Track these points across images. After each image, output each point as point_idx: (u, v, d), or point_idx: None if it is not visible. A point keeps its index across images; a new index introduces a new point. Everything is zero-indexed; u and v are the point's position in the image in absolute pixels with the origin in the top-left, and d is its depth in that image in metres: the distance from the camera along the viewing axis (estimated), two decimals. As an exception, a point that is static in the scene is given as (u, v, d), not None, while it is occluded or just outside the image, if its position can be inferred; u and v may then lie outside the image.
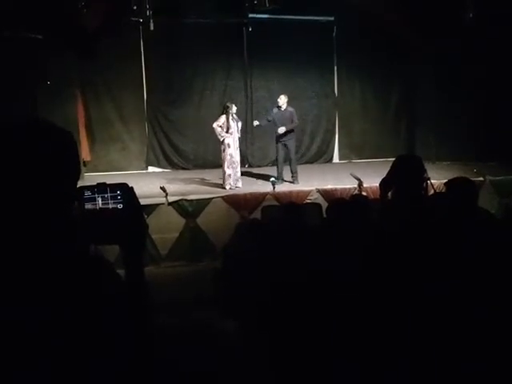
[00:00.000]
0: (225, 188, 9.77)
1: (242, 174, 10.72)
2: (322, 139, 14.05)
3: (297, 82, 13.42)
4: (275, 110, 10.41)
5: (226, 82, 13.33)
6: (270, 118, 10.36)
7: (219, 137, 9.87)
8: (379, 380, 2.74)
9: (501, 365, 2.60)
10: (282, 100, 10.35)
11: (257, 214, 8.79)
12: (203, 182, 10.77)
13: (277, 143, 10.46)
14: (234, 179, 9.90)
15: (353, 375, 2.82)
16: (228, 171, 9.83)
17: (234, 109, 9.99)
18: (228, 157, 9.85)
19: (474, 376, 2.60)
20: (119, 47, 11.86)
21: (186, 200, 9.00)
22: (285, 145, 10.33)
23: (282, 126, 10.17)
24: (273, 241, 5.18)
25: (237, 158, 9.99)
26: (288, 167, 10.46)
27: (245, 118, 13.27)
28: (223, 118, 9.87)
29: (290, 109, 10.37)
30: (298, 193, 9.48)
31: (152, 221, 8.20)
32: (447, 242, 3.00)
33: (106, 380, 1.26)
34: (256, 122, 10.58)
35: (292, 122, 10.30)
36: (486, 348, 2.63)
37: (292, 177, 10.40)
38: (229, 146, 9.84)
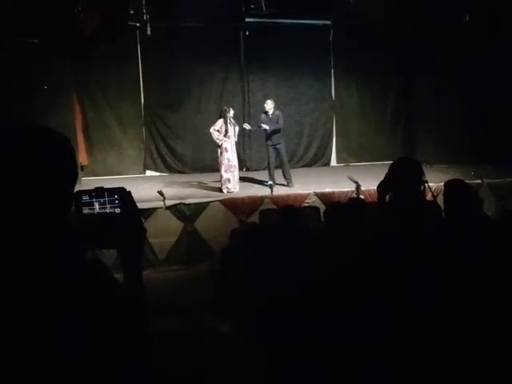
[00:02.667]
0: (222, 192, 9.77)
1: (240, 178, 10.71)
2: (319, 143, 14.06)
3: (294, 85, 13.45)
4: (263, 115, 10.47)
5: (223, 85, 13.34)
6: (259, 125, 10.43)
7: (217, 141, 9.88)
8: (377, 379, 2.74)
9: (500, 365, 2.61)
10: (269, 105, 10.43)
11: (255, 218, 8.79)
12: (201, 185, 10.77)
13: (267, 146, 10.47)
14: (233, 183, 9.90)
15: (352, 376, 2.82)
16: (226, 175, 9.83)
17: (232, 113, 10.02)
18: (226, 161, 9.85)
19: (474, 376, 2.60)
20: (116, 52, 11.85)
21: (183, 204, 9.00)
22: (275, 148, 10.35)
23: (271, 130, 10.29)
24: (271, 244, 5.19)
25: (235, 161, 10.00)
26: (280, 170, 10.50)
27: (242, 121, 13.24)
28: (220, 121, 9.89)
29: (277, 112, 10.45)
30: (296, 196, 9.48)
31: (150, 225, 8.18)
32: (444, 243, 3.00)
33: (105, 382, 1.26)
34: (246, 126, 10.61)
35: (277, 123, 10.36)
36: (486, 349, 2.63)
37: (286, 180, 10.41)
38: (226, 151, 9.85)
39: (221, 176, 9.90)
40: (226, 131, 9.83)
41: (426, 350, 2.65)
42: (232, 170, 9.91)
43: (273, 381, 3.56)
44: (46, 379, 1.18)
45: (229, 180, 9.84)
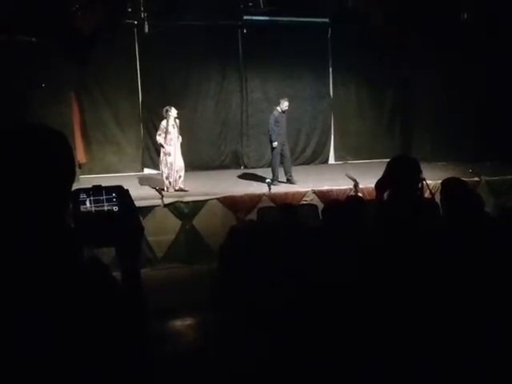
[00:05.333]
0: (166, 191, 9.61)
1: (238, 176, 10.67)
2: (317, 140, 14.06)
3: (292, 83, 13.43)
4: (277, 113, 10.47)
5: (221, 83, 13.33)
6: (273, 134, 10.39)
7: (160, 145, 9.77)
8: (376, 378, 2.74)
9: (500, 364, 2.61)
10: (288, 106, 10.48)
11: (253, 216, 8.79)
12: (198, 183, 10.75)
13: (278, 144, 10.47)
14: (174, 184, 9.81)
15: (351, 374, 2.83)
16: (169, 177, 9.77)
17: (174, 112, 9.79)
18: (169, 165, 9.72)
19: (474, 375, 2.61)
20: (114, 49, 11.84)
21: (181, 202, 8.99)
22: (283, 145, 10.42)
23: (283, 129, 10.40)
24: (269, 242, 5.19)
25: (179, 164, 9.83)
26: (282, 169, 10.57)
27: (240, 119, 13.32)
28: (163, 123, 9.74)
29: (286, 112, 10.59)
30: (294, 194, 9.48)
31: (148, 223, 8.17)
32: (443, 241, 3.00)
33: (105, 381, 1.26)
34: (275, 144, 10.42)
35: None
36: (487, 347, 2.63)
37: (290, 176, 10.45)
38: (169, 155, 9.73)
39: (164, 177, 9.81)
40: (166, 134, 9.65)
41: (425, 350, 2.65)
42: (176, 172, 9.79)
43: (272, 380, 3.56)
44: (44, 376, 1.19)
45: (170, 182, 9.76)
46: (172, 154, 9.75)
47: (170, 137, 9.70)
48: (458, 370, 2.63)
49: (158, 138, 9.77)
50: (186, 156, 12.93)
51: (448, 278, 2.77)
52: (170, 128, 9.70)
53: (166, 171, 9.80)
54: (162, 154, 9.88)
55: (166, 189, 9.68)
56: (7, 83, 9.75)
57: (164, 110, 9.88)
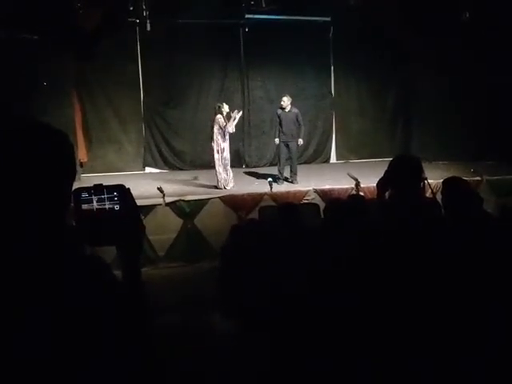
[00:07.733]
0: (220, 189, 9.74)
1: (240, 174, 10.67)
2: (319, 139, 14.04)
3: (294, 82, 13.42)
4: (279, 111, 10.48)
5: (223, 82, 13.32)
6: (276, 131, 10.50)
7: (217, 141, 9.72)
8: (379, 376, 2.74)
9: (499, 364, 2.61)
10: (286, 102, 10.39)
11: (254, 215, 8.79)
12: (200, 182, 10.76)
13: (279, 143, 10.45)
14: (230, 180, 9.89)
15: (350, 374, 2.82)
16: (224, 174, 9.80)
17: (227, 107, 9.89)
18: (223, 160, 9.79)
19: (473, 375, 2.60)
20: (116, 48, 11.85)
21: (183, 201, 8.99)
22: (287, 145, 10.37)
23: (287, 127, 10.30)
24: (271, 241, 5.18)
25: (229, 159, 9.96)
26: (288, 168, 10.54)
27: (241, 118, 13.26)
28: (221, 119, 9.74)
29: (295, 110, 10.49)
30: (296, 193, 9.48)
31: (149, 222, 8.17)
32: (443, 240, 3.00)
33: (105, 381, 1.26)
34: (277, 140, 10.50)
35: (298, 123, 10.42)
36: (487, 347, 2.63)
37: (291, 176, 10.43)
38: (223, 151, 9.77)
39: (219, 173, 9.85)
40: (225, 129, 9.71)
41: (424, 350, 2.65)
42: (228, 168, 9.88)
43: (273, 379, 3.56)
44: (44, 376, 1.18)
45: (225, 178, 9.82)
46: (226, 149, 9.81)
47: (227, 131, 9.76)
48: (456, 369, 2.63)
49: (215, 133, 9.73)
50: (187, 155, 13.06)
51: (448, 277, 2.76)
52: (226, 121, 9.74)
53: (222, 169, 9.80)
54: (218, 154, 9.82)
55: (228, 187, 9.76)
56: (9, 81, 9.75)
57: (216, 106, 9.95)
